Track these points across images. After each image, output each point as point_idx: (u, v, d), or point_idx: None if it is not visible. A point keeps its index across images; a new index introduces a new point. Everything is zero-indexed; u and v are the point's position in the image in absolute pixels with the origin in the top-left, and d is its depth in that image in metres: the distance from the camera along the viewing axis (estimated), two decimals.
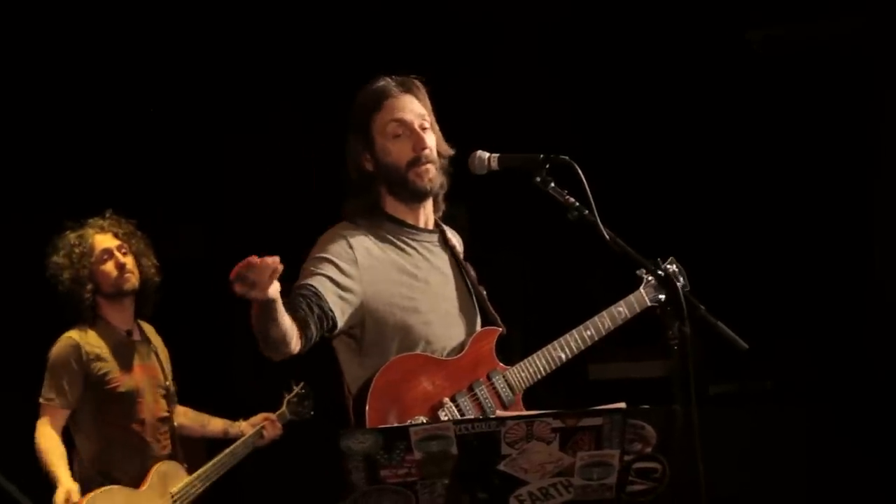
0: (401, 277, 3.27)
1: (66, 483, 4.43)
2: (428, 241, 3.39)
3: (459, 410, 3.18)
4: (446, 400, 3.18)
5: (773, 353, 5.77)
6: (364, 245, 3.26)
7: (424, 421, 3.10)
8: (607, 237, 3.04)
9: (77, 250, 4.66)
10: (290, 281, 3.39)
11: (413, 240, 3.35)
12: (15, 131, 5.59)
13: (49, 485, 4.46)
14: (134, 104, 5.90)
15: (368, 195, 3.34)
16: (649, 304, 3.52)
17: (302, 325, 3.10)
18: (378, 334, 3.23)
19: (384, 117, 3.30)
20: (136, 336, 4.75)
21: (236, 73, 6.08)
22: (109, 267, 4.67)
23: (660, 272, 3.20)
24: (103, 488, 4.48)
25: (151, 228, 4.93)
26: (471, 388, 3.24)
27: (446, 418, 3.13)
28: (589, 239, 3.06)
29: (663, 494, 2.71)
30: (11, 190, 5.58)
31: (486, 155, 3.25)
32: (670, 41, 6.07)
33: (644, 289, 3.53)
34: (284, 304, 3.02)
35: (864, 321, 5.89)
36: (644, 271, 3.54)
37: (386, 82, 3.34)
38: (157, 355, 4.78)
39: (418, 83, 3.37)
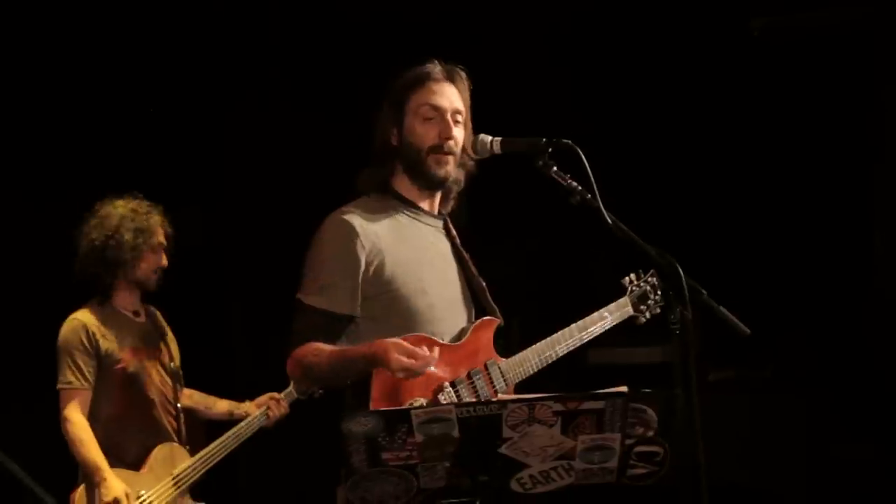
0: (408, 257, 3.28)
1: (116, 487, 4.41)
2: (433, 226, 3.40)
3: (458, 395, 3.19)
4: (446, 384, 3.19)
5: (772, 341, 5.77)
6: (372, 228, 3.26)
7: (424, 403, 3.10)
8: (610, 223, 3.03)
9: (144, 221, 4.65)
10: (292, 264, 3.39)
11: (420, 221, 3.37)
12: (12, 114, 5.57)
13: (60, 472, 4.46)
14: (134, 91, 5.88)
15: (384, 169, 3.35)
16: (632, 312, 3.57)
17: None
18: (381, 312, 3.24)
19: (421, 98, 3.31)
20: (143, 318, 4.75)
21: (234, 57, 6.07)
22: (153, 261, 4.68)
23: (659, 259, 3.20)
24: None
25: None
26: (469, 376, 3.25)
27: (446, 402, 3.14)
28: (591, 224, 3.06)
29: (664, 479, 2.71)
30: (8, 172, 5.57)
31: (489, 138, 3.27)
32: (673, 29, 6.06)
33: (628, 297, 3.58)
34: (312, 324, 3.19)
35: (864, 310, 5.89)
36: (627, 280, 3.60)
37: (433, 65, 3.35)
38: (163, 338, 4.78)
39: (463, 76, 3.38)
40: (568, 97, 6.06)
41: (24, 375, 5.16)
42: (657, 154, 6.15)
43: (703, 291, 3.04)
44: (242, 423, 4.81)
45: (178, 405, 4.74)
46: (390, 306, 3.24)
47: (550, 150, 3.10)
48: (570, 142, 3.08)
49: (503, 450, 2.60)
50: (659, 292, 3.59)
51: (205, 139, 6.09)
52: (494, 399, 3.15)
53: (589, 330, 3.46)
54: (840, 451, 5.64)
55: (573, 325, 3.43)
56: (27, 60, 5.62)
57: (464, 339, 3.30)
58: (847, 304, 5.92)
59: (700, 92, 6.07)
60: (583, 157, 3.02)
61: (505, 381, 3.30)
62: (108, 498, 4.40)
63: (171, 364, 4.75)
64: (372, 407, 3.06)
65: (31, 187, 5.59)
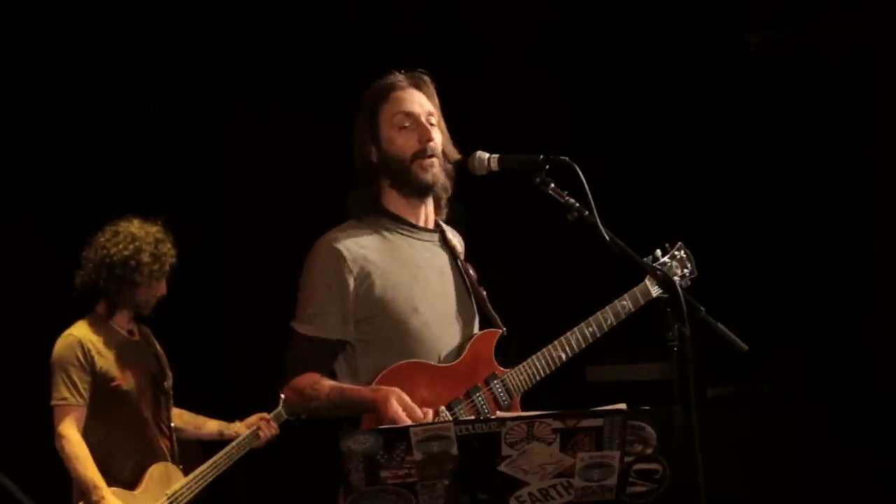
0: (399, 277, 3.27)
1: (113, 500, 4.40)
2: (428, 240, 3.38)
3: (455, 418, 3.17)
4: (442, 409, 3.18)
5: (770, 357, 5.76)
6: (360, 251, 3.25)
7: None
8: (607, 238, 3.03)
9: (162, 248, 4.67)
10: (289, 281, 3.39)
11: (413, 238, 3.34)
12: (12, 130, 5.57)
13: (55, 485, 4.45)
14: (130, 105, 5.88)
15: (370, 189, 3.34)
16: (653, 296, 3.43)
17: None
18: (375, 335, 3.23)
19: (391, 108, 3.30)
20: (137, 337, 4.75)
21: (233, 74, 6.07)
22: (159, 288, 4.70)
23: (658, 272, 3.20)
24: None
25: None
26: (468, 395, 3.24)
27: None
28: (589, 240, 3.06)
29: (663, 496, 2.70)
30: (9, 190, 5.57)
31: (486, 155, 3.25)
32: (669, 43, 6.07)
33: (648, 279, 3.45)
34: (305, 352, 3.20)
35: (861, 324, 5.89)
36: (650, 258, 3.52)
37: (395, 76, 3.35)
38: (156, 357, 4.77)
39: (427, 79, 3.37)
40: (565, 113, 6.07)
41: (18, 391, 5.14)
42: (655, 168, 6.16)
43: (701, 308, 3.04)
44: (233, 444, 4.81)
45: (172, 425, 4.74)
46: (383, 328, 3.23)
47: (548, 166, 3.10)
48: (567, 158, 3.08)
49: (502, 468, 2.59)
50: (689, 265, 3.56)
51: (202, 157, 6.09)
52: (496, 416, 3.16)
53: (604, 324, 3.37)
54: (839, 466, 5.63)
55: (584, 323, 3.36)
56: (26, 75, 5.61)
57: (462, 357, 3.28)
58: (844, 318, 5.92)
59: (697, 107, 6.08)
60: (580, 173, 3.02)
61: (509, 393, 3.27)
62: None
63: (165, 384, 4.74)
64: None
65: (28, 203, 5.58)
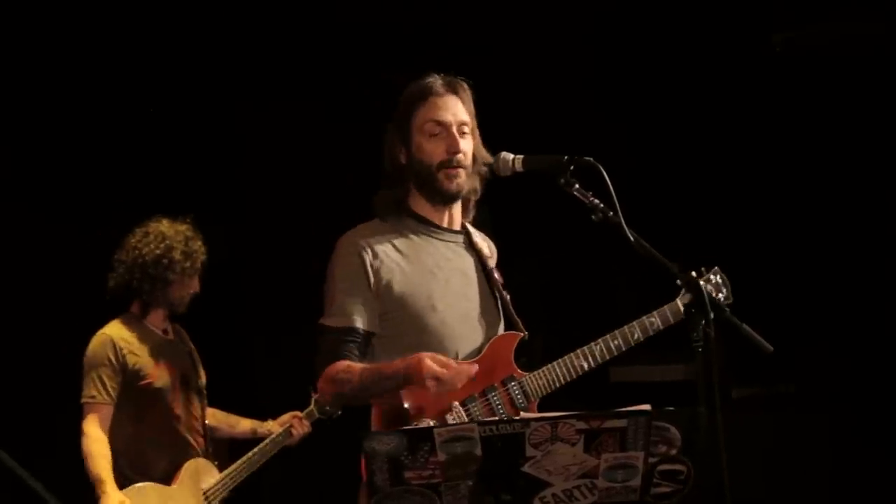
0: (419, 275, 3.28)
1: (115, 496, 4.44)
2: (452, 242, 3.39)
3: (469, 414, 3.17)
4: (455, 403, 3.18)
5: (796, 358, 5.74)
6: (382, 249, 3.27)
7: (431, 423, 3.10)
8: (632, 239, 3.02)
9: (193, 245, 4.73)
10: (312, 285, 3.40)
11: (437, 238, 3.36)
12: (42, 133, 5.60)
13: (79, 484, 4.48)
14: (154, 105, 5.91)
15: (398, 189, 3.36)
16: (683, 315, 3.35)
17: None
18: (393, 331, 3.24)
19: (424, 115, 3.31)
20: (171, 336, 4.78)
21: (259, 75, 6.09)
22: (192, 286, 4.76)
23: (681, 275, 3.18)
24: (136, 485, 4.49)
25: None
26: (483, 393, 3.24)
27: (453, 422, 3.12)
28: (614, 242, 3.05)
29: (687, 497, 2.70)
30: (29, 190, 5.60)
31: (511, 156, 3.27)
32: (696, 46, 6.06)
33: (681, 299, 3.39)
34: (335, 343, 3.21)
35: (887, 324, 5.86)
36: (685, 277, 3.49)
37: (433, 80, 3.35)
38: (191, 356, 4.81)
39: (465, 86, 3.37)
40: (591, 114, 6.06)
41: (55, 392, 5.17)
42: (680, 169, 6.15)
43: (726, 308, 3.03)
44: (267, 441, 4.85)
45: (206, 423, 4.77)
46: (401, 323, 3.24)
47: (572, 167, 3.10)
48: (591, 159, 3.08)
49: (526, 468, 2.59)
50: (724, 290, 3.51)
51: (228, 158, 6.11)
52: (515, 417, 3.16)
53: (630, 338, 3.35)
54: (865, 468, 5.61)
55: (610, 335, 3.34)
56: (51, 78, 5.64)
57: (480, 356, 3.28)
58: (870, 320, 5.89)
59: (722, 108, 6.06)
60: (605, 174, 3.02)
61: (526, 397, 3.27)
62: None
63: (198, 382, 4.77)
64: (375, 423, 3.07)
65: (57, 206, 5.61)
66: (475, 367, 3.12)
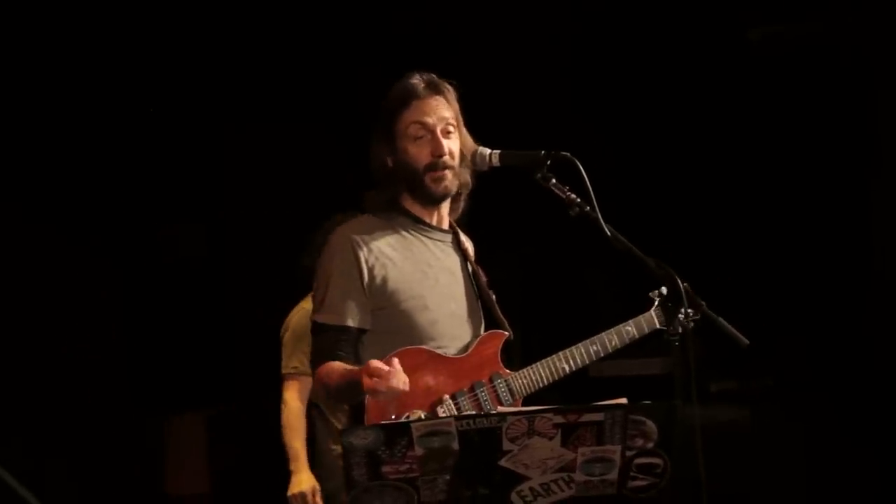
0: (411, 273, 3.28)
1: (307, 481, 4.47)
2: (441, 241, 3.39)
3: (458, 409, 3.19)
4: (446, 397, 3.19)
5: (773, 351, 5.77)
6: (376, 244, 3.27)
7: (423, 416, 3.11)
8: (609, 234, 3.04)
9: None
10: (293, 283, 3.40)
11: (427, 237, 3.36)
12: (16, 129, 5.59)
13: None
14: (134, 104, 5.89)
15: (388, 190, 3.35)
16: (658, 326, 3.44)
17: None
18: (384, 326, 3.24)
19: (408, 118, 3.30)
20: None
21: (237, 72, 6.08)
22: None
23: (658, 269, 3.20)
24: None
25: (152, 228, 4.95)
26: (472, 389, 3.25)
27: (444, 415, 3.13)
28: (591, 237, 3.06)
29: (665, 491, 2.71)
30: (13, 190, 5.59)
31: (488, 151, 3.28)
32: (672, 40, 6.07)
33: (655, 311, 3.45)
34: (327, 341, 3.20)
35: (864, 317, 5.89)
36: (655, 293, 3.53)
37: (415, 81, 3.32)
38: None
39: (448, 85, 3.36)
40: (567, 108, 6.07)
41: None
42: (656, 163, 6.16)
43: (703, 302, 3.04)
44: None
45: None
46: (392, 320, 3.24)
47: (549, 162, 3.12)
48: (568, 154, 3.09)
49: (503, 462, 2.60)
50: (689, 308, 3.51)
51: (207, 155, 6.11)
52: (497, 410, 3.17)
53: (608, 345, 3.39)
54: (842, 460, 5.63)
55: (589, 340, 3.38)
56: (29, 75, 5.63)
57: (468, 352, 3.30)
58: (847, 312, 5.92)
59: (698, 102, 6.08)
60: (581, 169, 3.03)
61: (512, 394, 3.28)
62: (294, 490, 4.48)
63: None
64: (368, 414, 3.06)
65: (34, 203, 5.60)
66: (396, 363, 3.00)
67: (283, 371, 4.62)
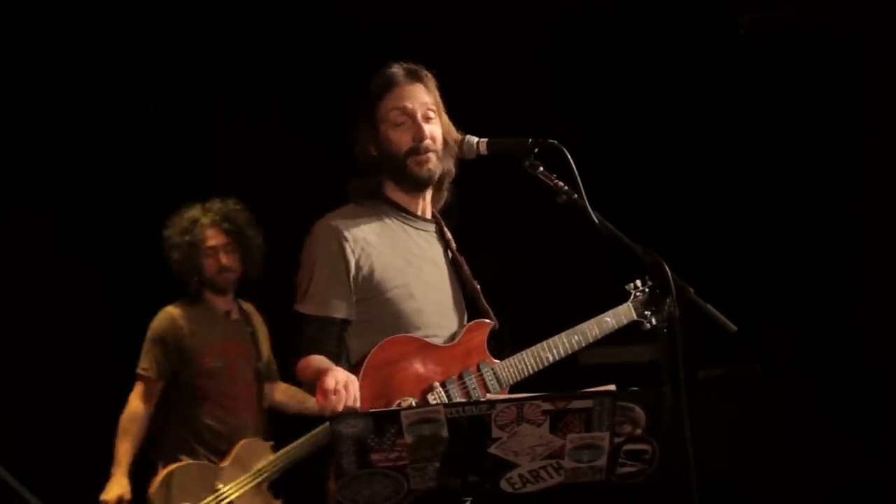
0: (396, 263, 3.29)
1: (116, 488, 4.51)
2: (424, 230, 3.41)
3: (448, 396, 3.20)
4: (436, 384, 3.20)
5: (761, 337, 5.77)
6: (360, 234, 3.27)
7: (413, 402, 3.11)
8: (596, 221, 3.05)
9: (187, 238, 4.81)
10: (287, 272, 3.40)
11: (411, 226, 3.37)
12: (16, 129, 5.58)
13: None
14: (134, 104, 5.88)
15: (371, 178, 3.37)
16: (636, 318, 3.58)
17: (334, 360, 3.19)
18: (369, 316, 3.25)
19: (389, 105, 3.32)
20: (235, 315, 4.84)
21: (231, 67, 6.05)
22: (211, 264, 4.82)
23: (645, 256, 3.21)
24: (181, 464, 4.51)
25: (147, 223, 4.95)
26: (460, 377, 3.26)
27: (435, 402, 3.14)
28: (578, 225, 3.07)
29: (653, 477, 2.72)
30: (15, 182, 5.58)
31: (475, 139, 3.30)
32: (659, 27, 6.06)
33: (631, 303, 3.58)
34: (310, 333, 3.20)
35: (852, 305, 5.90)
36: (632, 286, 3.59)
37: (395, 70, 3.36)
38: (253, 335, 4.83)
39: (427, 72, 3.38)
40: (554, 96, 6.06)
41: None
42: (643, 151, 6.16)
43: (690, 289, 3.05)
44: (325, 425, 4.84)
45: (264, 403, 4.81)
46: (378, 310, 3.25)
47: (537, 150, 3.13)
48: (555, 142, 3.10)
49: (493, 450, 2.61)
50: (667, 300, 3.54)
51: (201, 149, 6.08)
52: (486, 398, 3.18)
53: (588, 335, 3.46)
54: (830, 447, 5.65)
55: (571, 330, 3.43)
56: (27, 70, 5.61)
57: (455, 341, 3.31)
58: (835, 300, 5.93)
59: (686, 89, 6.07)
60: (569, 156, 3.04)
61: (499, 382, 3.30)
62: (105, 496, 4.52)
63: (258, 363, 4.80)
64: (360, 407, 3.07)
65: (31, 198, 5.59)
66: (354, 386, 3.01)
67: (137, 371, 4.70)
